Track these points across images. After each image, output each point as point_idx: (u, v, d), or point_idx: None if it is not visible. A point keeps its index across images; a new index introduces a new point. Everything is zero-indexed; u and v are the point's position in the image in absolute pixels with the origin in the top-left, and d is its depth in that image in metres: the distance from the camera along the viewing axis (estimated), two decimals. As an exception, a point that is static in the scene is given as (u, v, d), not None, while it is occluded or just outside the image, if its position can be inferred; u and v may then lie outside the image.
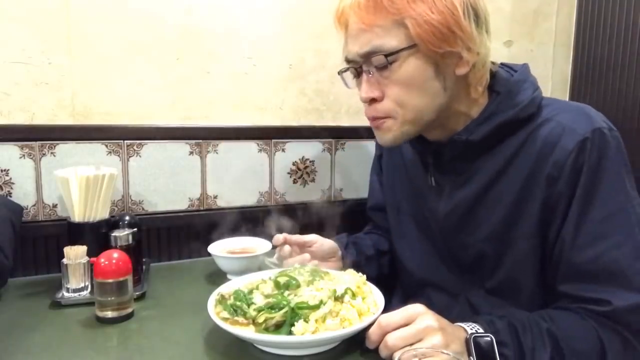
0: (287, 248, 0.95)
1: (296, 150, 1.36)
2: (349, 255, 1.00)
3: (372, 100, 0.77)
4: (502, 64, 0.84)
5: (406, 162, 0.96)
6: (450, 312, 0.70)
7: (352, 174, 1.44)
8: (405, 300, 0.70)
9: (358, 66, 0.78)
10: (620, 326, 0.69)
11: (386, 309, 0.71)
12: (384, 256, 1.06)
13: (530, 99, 0.77)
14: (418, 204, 0.93)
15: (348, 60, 0.79)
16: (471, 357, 0.63)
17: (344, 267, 0.97)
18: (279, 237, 0.95)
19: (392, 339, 0.64)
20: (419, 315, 0.66)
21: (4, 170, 1.08)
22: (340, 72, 0.83)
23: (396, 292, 1.04)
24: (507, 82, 0.79)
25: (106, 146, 1.16)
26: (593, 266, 0.71)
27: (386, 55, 0.72)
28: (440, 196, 0.86)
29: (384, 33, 0.72)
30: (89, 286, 0.93)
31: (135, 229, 0.98)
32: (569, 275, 0.73)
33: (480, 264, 0.82)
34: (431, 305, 0.68)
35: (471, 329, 0.67)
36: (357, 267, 0.94)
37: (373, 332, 0.67)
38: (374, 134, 0.82)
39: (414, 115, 0.76)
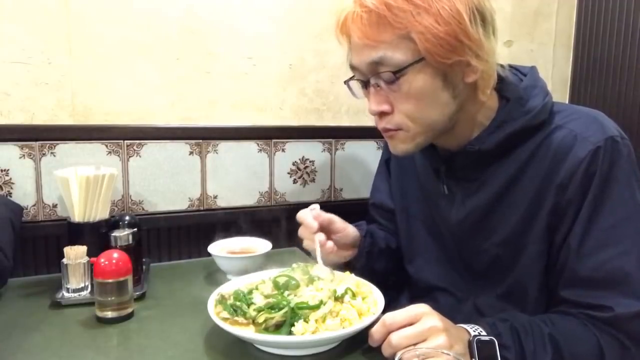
0: (322, 237, 0.90)
1: (296, 150, 1.36)
2: (365, 246, 0.99)
3: (382, 113, 0.76)
4: (509, 66, 0.82)
5: (417, 168, 0.95)
6: (455, 315, 0.70)
7: (352, 174, 1.44)
8: (411, 302, 0.70)
9: (365, 79, 0.76)
10: (620, 333, 0.69)
11: (389, 310, 0.71)
12: (392, 253, 1.05)
13: (541, 106, 0.76)
14: (429, 209, 0.93)
15: (353, 69, 0.78)
16: (473, 359, 0.63)
17: (358, 258, 0.97)
18: (313, 226, 0.89)
19: (396, 337, 0.64)
20: (423, 315, 0.66)
21: (4, 170, 1.08)
22: (346, 82, 0.81)
23: (402, 294, 1.03)
24: (516, 88, 0.78)
25: (106, 146, 1.16)
26: (597, 273, 0.70)
27: (394, 72, 0.71)
28: (453, 203, 0.86)
29: (390, 48, 0.70)
30: (89, 286, 0.93)
31: (135, 229, 0.98)
32: (572, 282, 0.73)
33: (494, 269, 0.82)
34: (437, 308, 0.68)
35: (474, 331, 0.67)
36: (369, 259, 0.95)
37: (377, 331, 0.67)
38: (387, 143, 0.81)
39: (426, 126, 0.75)
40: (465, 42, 0.68)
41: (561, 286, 0.74)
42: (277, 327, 0.71)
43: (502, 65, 0.79)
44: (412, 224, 0.98)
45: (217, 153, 1.27)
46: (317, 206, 0.94)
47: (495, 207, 0.80)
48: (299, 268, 0.85)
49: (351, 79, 0.80)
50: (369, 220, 1.12)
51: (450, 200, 0.86)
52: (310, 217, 0.91)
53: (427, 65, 0.70)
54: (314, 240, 0.89)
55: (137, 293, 0.92)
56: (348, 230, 0.97)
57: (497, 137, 0.76)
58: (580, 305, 0.72)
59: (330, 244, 0.90)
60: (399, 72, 0.71)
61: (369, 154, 1.43)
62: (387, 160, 1.09)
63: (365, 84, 0.78)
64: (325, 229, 0.93)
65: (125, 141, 1.17)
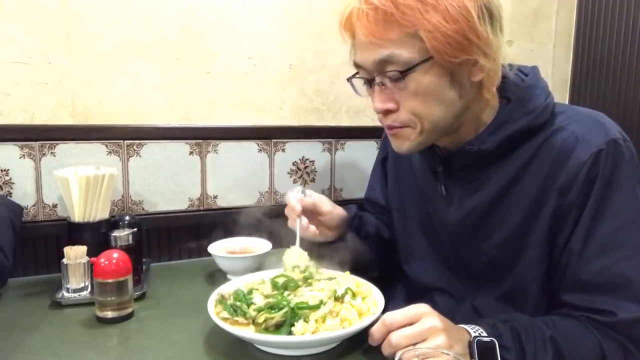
0: (305, 221, 0.93)
1: (296, 150, 1.36)
2: (351, 227, 1.00)
3: (387, 111, 0.75)
4: (510, 65, 0.81)
5: (414, 168, 0.95)
6: (454, 316, 0.70)
7: (352, 174, 1.44)
8: (408, 302, 0.70)
9: (370, 77, 0.75)
10: (622, 337, 0.69)
11: (388, 310, 0.71)
12: (382, 242, 1.05)
13: (543, 106, 0.75)
14: (426, 210, 0.92)
15: (357, 66, 0.77)
16: None
17: (342, 238, 0.98)
18: (297, 208, 0.92)
19: (396, 337, 0.64)
20: (423, 315, 0.66)
21: (4, 170, 1.08)
22: (349, 79, 0.80)
23: (399, 294, 1.03)
24: (517, 88, 0.77)
25: (106, 146, 1.16)
26: (600, 278, 0.70)
27: (401, 71, 0.70)
28: (450, 204, 0.85)
29: (397, 47, 0.68)
30: (89, 286, 0.93)
31: (135, 229, 0.98)
32: (574, 286, 0.72)
33: (491, 271, 0.82)
34: (435, 309, 0.68)
35: (474, 332, 0.66)
36: (355, 242, 0.96)
37: (377, 330, 0.67)
38: (390, 140, 0.80)
39: (432, 125, 0.74)
40: (474, 40, 0.67)
41: (563, 290, 0.74)
42: (277, 327, 0.71)
43: (502, 65, 0.78)
44: (408, 224, 0.97)
45: (217, 153, 1.27)
46: (300, 188, 0.97)
47: (494, 208, 0.79)
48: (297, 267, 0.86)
49: (354, 76, 0.79)
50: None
51: (447, 201, 0.86)
52: (294, 199, 0.94)
53: (435, 64, 0.69)
54: (297, 222, 0.93)
55: (137, 293, 0.93)
56: (335, 212, 0.98)
57: (497, 137, 0.76)
58: (583, 309, 0.71)
59: (312, 228, 0.94)
60: (406, 71, 0.70)
61: (369, 154, 1.43)
62: (384, 159, 1.08)
63: (370, 82, 0.77)
64: (312, 210, 0.95)
65: (125, 141, 1.17)
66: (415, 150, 0.79)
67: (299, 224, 0.92)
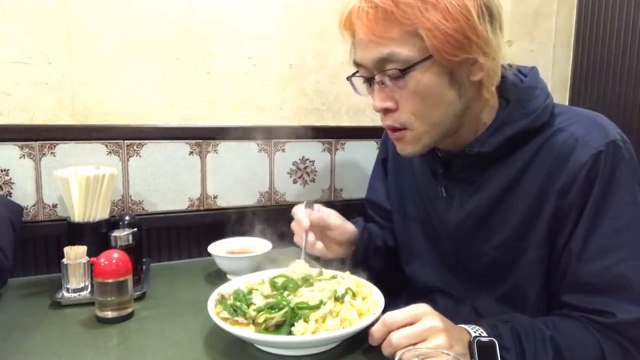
0: (311, 237, 0.92)
1: (296, 150, 1.36)
2: (362, 242, 0.99)
3: (387, 110, 0.75)
4: (509, 65, 0.81)
5: (415, 169, 0.95)
6: (454, 316, 0.70)
7: (352, 174, 1.44)
8: (408, 303, 0.70)
9: (370, 76, 0.75)
10: (622, 338, 0.69)
11: (388, 310, 0.71)
12: (389, 251, 1.05)
13: (542, 108, 0.75)
14: (426, 211, 0.92)
15: (357, 64, 0.77)
16: None
17: (354, 254, 0.97)
18: (304, 223, 0.90)
19: (396, 337, 0.64)
20: (424, 315, 0.66)
21: (4, 170, 1.08)
22: (349, 78, 0.80)
23: (400, 295, 1.03)
24: (517, 89, 0.77)
25: (106, 146, 1.16)
26: (599, 279, 0.70)
27: (401, 70, 0.70)
28: (450, 205, 0.85)
29: (397, 45, 0.69)
30: (89, 286, 0.93)
31: (135, 229, 0.98)
32: (574, 287, 0.72)
33: (491, 272, 0.82)
34: (436, 309, 0.68)
35: (474, 332, 0.67)
36: (365, 255, 0.95)
37: (377, 330, 0.67)
38: (395, 143, 0.80)
39: (431, 125, 0.74)
40: (474, 39, 0.67)
41: (563, 291, 0.74)
42: (277, 327, 0.71)
43: (502, 66, 0.78)
44: (409, 225, 0.97)
45: (217, 153, 1.27)
46: (308, 202, 0.95)
47: (494, 210, 0.79)
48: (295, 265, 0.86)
49: (354, 75, 0.79)
50: (366, 219, 1.11)
51: (448, 203, 0.86)
52: (302, 213, 0.92)
53: (435, 62, 0.69)
54: (303, 237, 0.91)
55: (137, 293, 0.92)
56: (345, 227, 0.97)
57: (497, 139, 0.76)
58: (582, 309, 0.71)
59: (319, 245, 0.93)
60: (406, 70, 0.70)
61: (369, 154, 1.43)
62: (384, 160, 1.08)
63: (369, 81, 0.77)
64: (321, 225, 0.94)
65: (125, 141, 1.17)
66: (420, 152, 0.79)
67: (306, 240, 0.90)
